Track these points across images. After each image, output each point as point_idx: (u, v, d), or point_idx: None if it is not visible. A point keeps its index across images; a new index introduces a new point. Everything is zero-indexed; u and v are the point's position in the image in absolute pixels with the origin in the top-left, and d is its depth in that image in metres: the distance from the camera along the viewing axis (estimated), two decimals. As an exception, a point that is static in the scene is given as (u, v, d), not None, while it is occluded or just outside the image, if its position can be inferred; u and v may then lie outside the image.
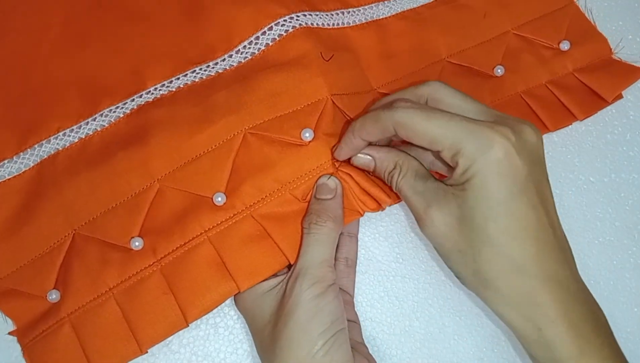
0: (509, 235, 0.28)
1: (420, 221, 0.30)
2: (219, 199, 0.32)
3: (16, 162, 0.34)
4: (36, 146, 0.34)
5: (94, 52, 0.36)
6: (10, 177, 0.34)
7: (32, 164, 0.34)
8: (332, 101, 0.34)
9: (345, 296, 0.34)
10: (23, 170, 0.34)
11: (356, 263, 0.35)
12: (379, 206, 0.33)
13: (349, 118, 0.35)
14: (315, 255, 0.30)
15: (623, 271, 0.37)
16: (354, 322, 0.34)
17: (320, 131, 0.33)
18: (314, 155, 0.33)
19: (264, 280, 0.32)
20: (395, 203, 0.34)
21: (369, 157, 0.32)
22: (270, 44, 0.36)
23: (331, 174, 0.33)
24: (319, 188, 0.32)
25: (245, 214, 0.32)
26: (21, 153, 0.34)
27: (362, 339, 0.33)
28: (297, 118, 0.34)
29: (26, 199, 0.33)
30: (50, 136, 0.35)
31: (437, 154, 0.31)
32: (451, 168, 0.29)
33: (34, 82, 0.36)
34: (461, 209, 0.28)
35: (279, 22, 0.36)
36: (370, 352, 0.33)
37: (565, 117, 0.38)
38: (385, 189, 0.33)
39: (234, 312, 0.34)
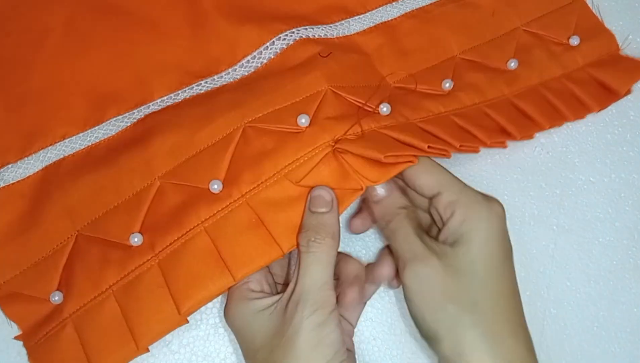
0: (490, 303, 0.29)
1: (402, 271, 0.30)
2: (215, 186, 0.32)
3: (20, 166, 0.34)
4: (41, 151, 0.34)
5: (98, 57, 0.36)
6: (14, 181, 0.34)
7: (37, 170, 0.34)
8: (333, 91, 0.34)
9: (347, 326, 0.33)
10: (27, 175, 0.34)
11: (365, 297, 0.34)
12: (381, 176, 0.31)
13: (356, 103, 0.34)
14: (316, 277, 0.29)
15: (623, 271, 0.37)
16: (350, 351, 0.32)
17: (318, 116, 0.33)
18: (310, 139, 0.32)
19: (257, 298, 0.30)
20: (401, 167, 0.32)
21: (382, 190, 0.33)
22: (273, 57, 0.37)
23: (324, 158, 0.32)
24: (314, 200, 0.31)
25: (241, 203, 0.32)
26: (25, 158, 0.34)
27: None
28: (295, 108, 0.33)
29: (30, 203, 0.33)
30: (56, 142, 0.35)
31: (431, 204, 0.32)
32: (437, 226, 0.32)
33: (36, 85, 0.35)
34: (446, 269, 0.29)
35: (280, 37, 0.37)
36: (370, 352, 0.33)
37: (581, 109, 0.38)
38: (384, 160, 0.31)
39: (234, 312, 0.34)
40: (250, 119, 0.33)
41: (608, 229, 0.38)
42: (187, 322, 0.30)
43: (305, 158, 0.32)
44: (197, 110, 0.35)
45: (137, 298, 0.31)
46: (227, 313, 0.31)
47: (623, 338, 0.36)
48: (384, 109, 0.33)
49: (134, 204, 0.32)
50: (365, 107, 0.34)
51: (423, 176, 0.31)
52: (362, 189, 0.31)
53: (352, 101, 0.34)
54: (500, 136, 0.36)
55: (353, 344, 0.33)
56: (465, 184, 0.31)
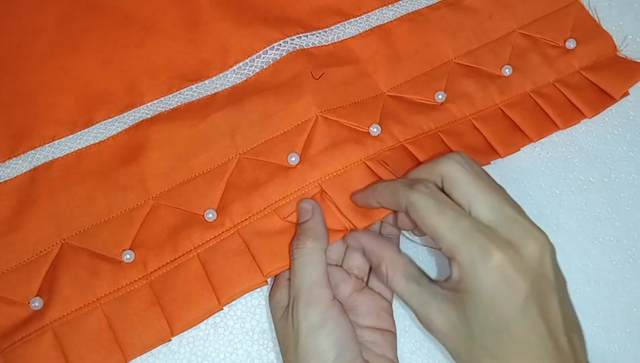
0: (508, 352, 0.26)
1: (420, 320, 0.29)
2: (210, 215, 0.33)
3: (8, 166, 0.34)
4: (30, 151, 0.34)
5: (89, 57, 0.36)
6: (0, 181, 0.34)
7: (24, 170, 0.34)
8: (323, 117, 0.35)
9: (383, 302, 0.33)
10: (15, 175, 0.34)
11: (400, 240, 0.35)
12: (365, 221, 0.33)
13: (349, 126, 0.36)
14: (303, 279, 0.30)
15: (623, 271, 0.37)
16: (389, 332, 0.32)
17: (308, 151, 0.35)
18: (299, 177, 0.34)
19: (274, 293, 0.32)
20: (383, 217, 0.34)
21: (359, 243, 0.33)
22: (265, 67, 0.37)
23: (312, 197, 0.34)
24: (299, 213, 0.33)
25: (232, 232, 0.33)
26: (14, 158, 0.34)
27: (395, 352, 0.32)
28: (286, 140, 0.35)
29: (17, 204, 0.33)
30: (45, 143, 0.35)
31: None
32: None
33: (26, 85, 0.35)
34: (459, 317, 0.27)
35: (273, 47, 0.37)
36: (370, 352, 0.33)
37: (574, 115, 0.38)
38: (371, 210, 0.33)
39: (234, 312, 0.35)
40: (244, 151, 0.35)
41: (608, 229, 0.38)
42: (170, 340, 0.31)
43: (294, 196, 0.34)
44: (192, 130, 0.35)
45: (128, 314, 0.31)
46: (269, 298, 0.33)
47: (623, 338, 0.36)
48: (374, 130, 0.35)
49: (126, 221, 0.33)
50: (357, 128, 0.36)
51: (425, 227, 0.28)
52: (344, 231, 0.33)
53: (344, 123, 0.35)
54: (485, 156, 0.36)
55: (393, 321, 0.33)
56: (468, 229, 0.27)
